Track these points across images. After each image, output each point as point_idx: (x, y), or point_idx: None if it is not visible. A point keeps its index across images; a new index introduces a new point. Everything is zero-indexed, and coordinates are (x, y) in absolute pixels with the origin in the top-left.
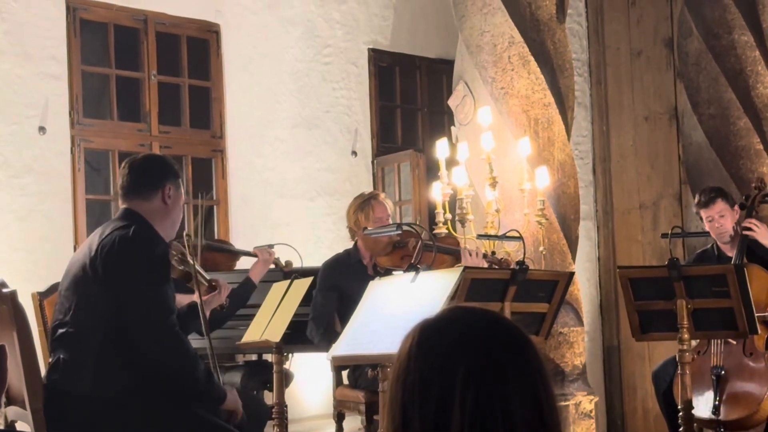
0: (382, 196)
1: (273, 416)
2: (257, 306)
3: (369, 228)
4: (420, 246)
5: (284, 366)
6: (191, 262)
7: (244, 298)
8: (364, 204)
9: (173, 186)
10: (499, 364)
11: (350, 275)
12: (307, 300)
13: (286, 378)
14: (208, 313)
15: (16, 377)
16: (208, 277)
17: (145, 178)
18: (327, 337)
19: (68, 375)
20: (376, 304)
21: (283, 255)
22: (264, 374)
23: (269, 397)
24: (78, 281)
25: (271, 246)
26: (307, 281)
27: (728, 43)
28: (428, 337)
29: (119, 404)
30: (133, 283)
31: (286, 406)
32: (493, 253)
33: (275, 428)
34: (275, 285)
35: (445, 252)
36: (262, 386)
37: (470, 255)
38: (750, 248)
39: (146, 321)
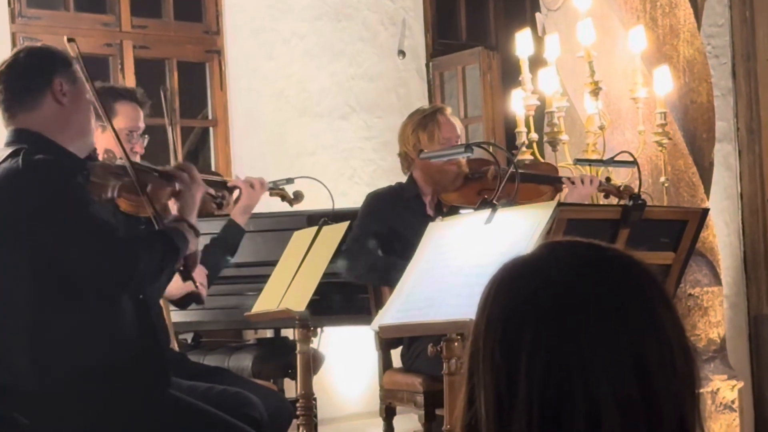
0: (450, 110)
1: (297, 413)
2: (272, 264)
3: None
4: (502, 173)
5: (311, 345)
6: (130, 163)
7: (231, 250)
8: (426, 120)
9: (64, 79)
10: (583, 323)
11: (404, 214)
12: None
13: (314, 361)
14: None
15: None
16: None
17: (24, 81)
18: (375, 269)
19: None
20: (438, 254)
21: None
22: (283, 357)
23: (292, 388)
24: None
25: (290, 180)
26: (342, 227)
27: None
28: (505, 282)
29: (71, 398)
30: (48, 226)
31: (315, 400)
32: (608, 179)
33: (300, 429)
34: (296, 234)
35: (540, 181)
36: (281, 373)
37: (579, 183)
38: None
39: (88, 260)
